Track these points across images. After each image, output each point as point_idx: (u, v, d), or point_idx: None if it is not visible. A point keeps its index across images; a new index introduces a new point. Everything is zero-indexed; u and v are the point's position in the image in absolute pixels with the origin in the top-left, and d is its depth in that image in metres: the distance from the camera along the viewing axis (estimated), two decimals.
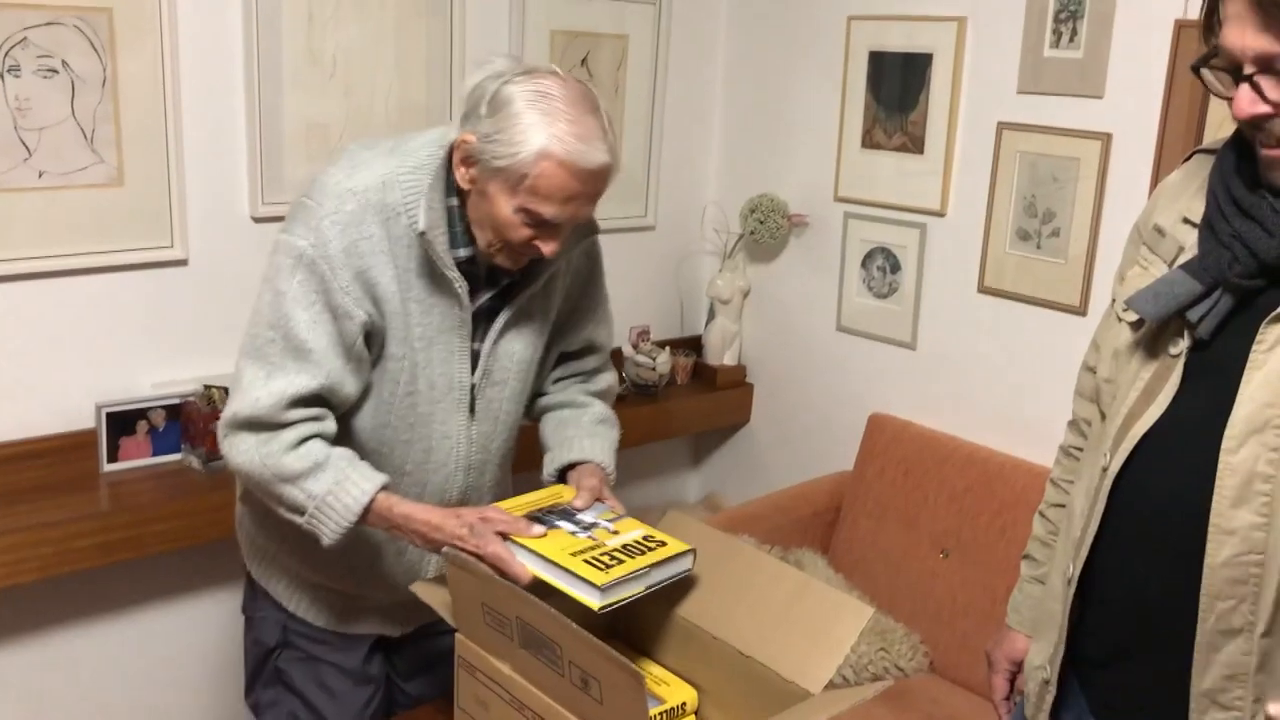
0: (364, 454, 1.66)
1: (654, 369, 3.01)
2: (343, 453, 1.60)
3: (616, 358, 2.95)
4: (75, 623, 2.40)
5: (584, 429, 1.83)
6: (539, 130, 1.49)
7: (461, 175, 1.57)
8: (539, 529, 1.54)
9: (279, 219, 2.27)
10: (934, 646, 2.56)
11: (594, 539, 1.55)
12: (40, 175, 2.15)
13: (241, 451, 1.59)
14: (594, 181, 1.54)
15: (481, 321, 1.68)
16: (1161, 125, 2.33)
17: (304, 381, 1.56)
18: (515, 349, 1.73)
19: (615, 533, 1.58)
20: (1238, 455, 1.23)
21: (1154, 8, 2.33)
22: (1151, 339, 1.34)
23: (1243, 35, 1.15)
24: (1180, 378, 1.29)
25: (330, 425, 1.62)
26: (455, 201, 1.61)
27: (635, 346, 3.06)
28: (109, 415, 2.30)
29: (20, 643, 2.34)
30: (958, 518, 2.59)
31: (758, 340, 3.25)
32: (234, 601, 2.61)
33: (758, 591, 1.58)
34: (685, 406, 3.16)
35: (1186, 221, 1.34)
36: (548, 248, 1.57)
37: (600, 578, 1.45)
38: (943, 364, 2.81)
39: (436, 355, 1.65)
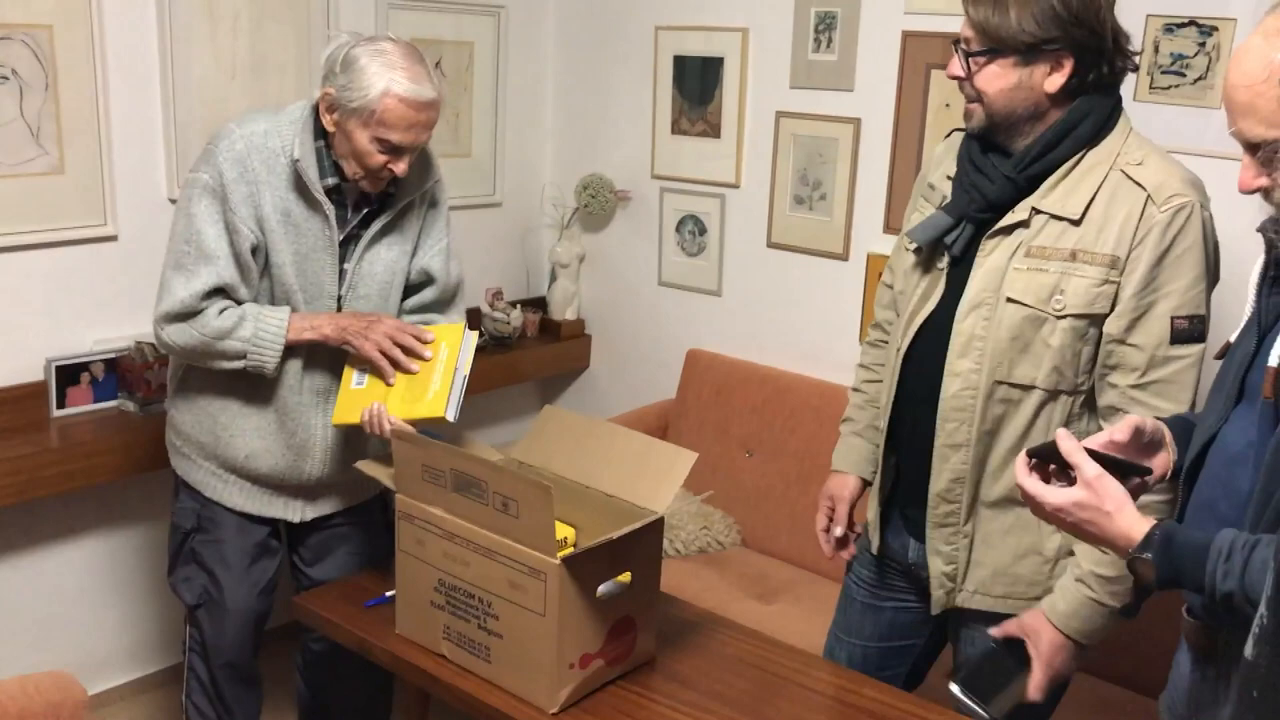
0: None
1: (508, 323, 3.56)
2: (252, 306, 2.13)
3: (475, 316, 3.47)
4: (43, 544, 2.81)
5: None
6: (381, 76, 2.04)
7: (327, 121, 2.11)
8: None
9: None
10: (744, 525, 3.21)
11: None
12: None
13: (179, 334, 2.10)
14: (427, 111, 2.09)
15: (351, 245, 2.20)
16: (896, 111, 3.02)
17: (213, 279, 2.08)
18: (375, 270, 2.24)
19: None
20: (963, 323, 1.83)
21: (889, 22, 2.99)
22: (926, 260, 1.94)
23: (962, 26, 1.80)
24: (945, 283, 1.89)
25: (236, 308, 2.12)
26: (322, 144, 2.14)
27: (491, 305, 3.60)
28: (57, 368, 2.70)
29: None
30: (758, 425, 3.24)
31: (593, 297, 3.82)
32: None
33: (614, 453, 2.11)
34: (534, 355, 3.70)
35: (948, 178, 1.94)
36: (399, 167, 2.11)
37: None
38: (742, 306, 3.44)
39: (311, 268, 2.18)
